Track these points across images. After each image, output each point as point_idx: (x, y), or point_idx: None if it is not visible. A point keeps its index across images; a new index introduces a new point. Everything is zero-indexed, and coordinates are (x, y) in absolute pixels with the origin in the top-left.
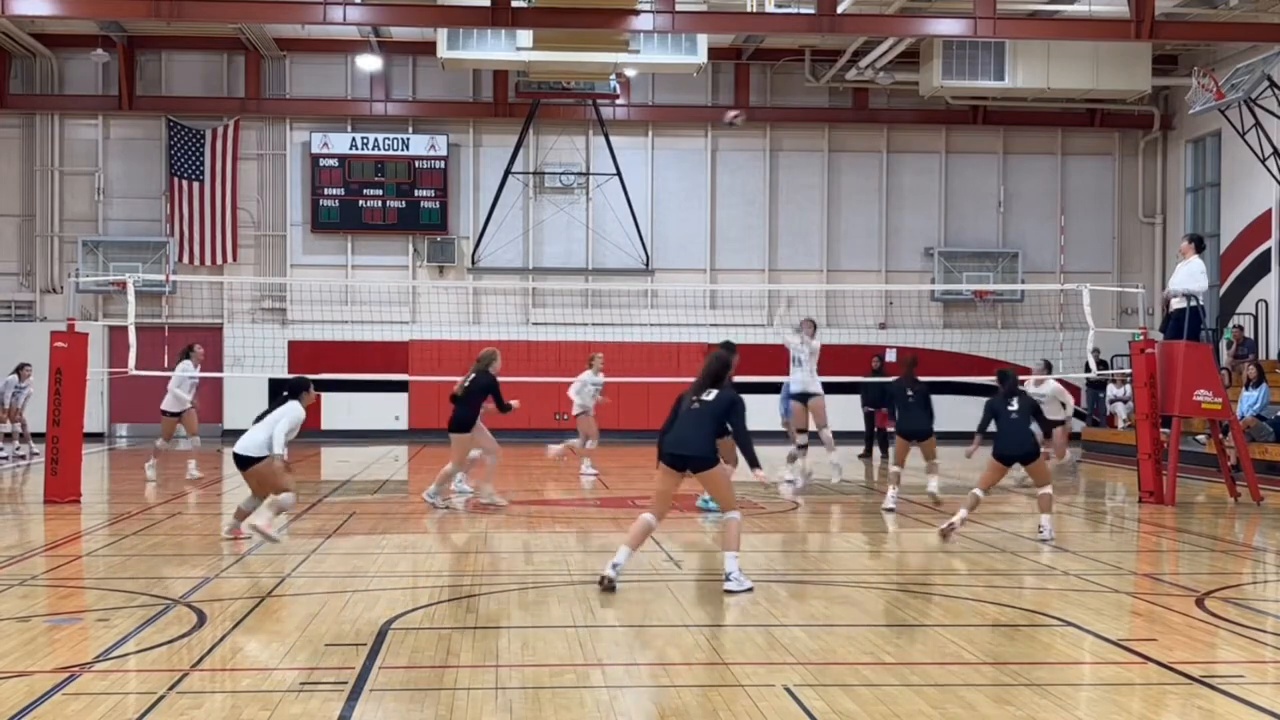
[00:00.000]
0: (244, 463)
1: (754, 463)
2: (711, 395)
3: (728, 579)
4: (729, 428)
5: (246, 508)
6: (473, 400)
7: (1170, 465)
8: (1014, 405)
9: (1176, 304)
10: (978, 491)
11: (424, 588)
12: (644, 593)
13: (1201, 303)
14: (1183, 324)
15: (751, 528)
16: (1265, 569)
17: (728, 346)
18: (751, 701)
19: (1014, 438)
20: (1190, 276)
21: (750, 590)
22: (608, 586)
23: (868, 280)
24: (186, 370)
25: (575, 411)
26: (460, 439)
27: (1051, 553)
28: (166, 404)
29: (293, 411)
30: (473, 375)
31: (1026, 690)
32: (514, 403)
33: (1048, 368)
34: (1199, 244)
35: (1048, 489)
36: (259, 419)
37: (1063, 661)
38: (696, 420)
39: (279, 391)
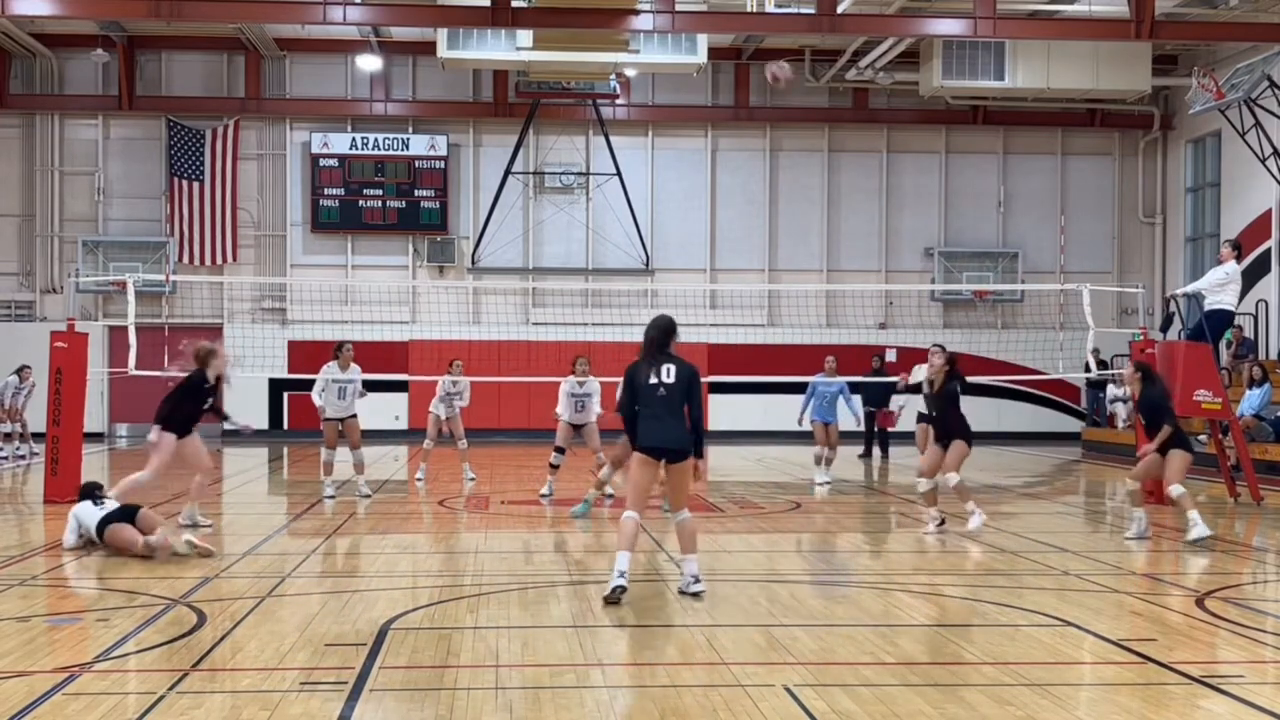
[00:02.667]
0: None
1: (702, 449)
2: (672, 373)
3: (696, 580)
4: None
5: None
6: None
7: None
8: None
9: (1210, 305)
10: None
11: (424, 588)
12: (644, 592)
13: (1228, 308)
14: (1207, 325)
15: (752, 528)
16: (1265, 569)
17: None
18: (751, 701)
19: None
20: (1210, 277)
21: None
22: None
23: (868, 280)
24: (330, 371)
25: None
26: None
27: (1051, 553)
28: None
29: None
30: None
31: (1026, 690)
32: None
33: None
34: (1238, 250)
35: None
36: None
37: (1063, 661)
38: (671, 405)
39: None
